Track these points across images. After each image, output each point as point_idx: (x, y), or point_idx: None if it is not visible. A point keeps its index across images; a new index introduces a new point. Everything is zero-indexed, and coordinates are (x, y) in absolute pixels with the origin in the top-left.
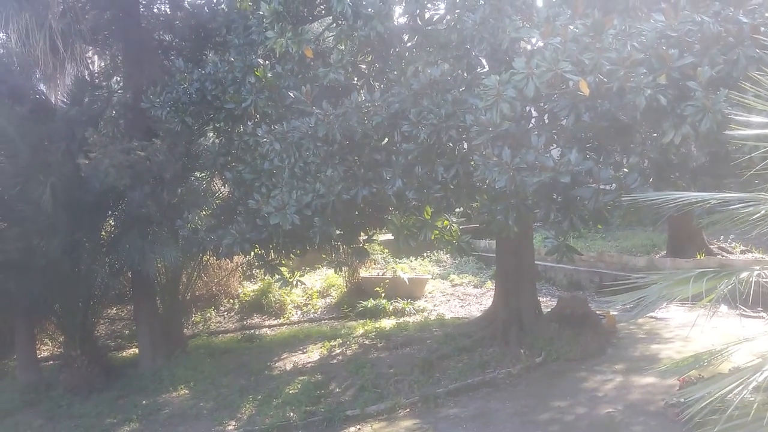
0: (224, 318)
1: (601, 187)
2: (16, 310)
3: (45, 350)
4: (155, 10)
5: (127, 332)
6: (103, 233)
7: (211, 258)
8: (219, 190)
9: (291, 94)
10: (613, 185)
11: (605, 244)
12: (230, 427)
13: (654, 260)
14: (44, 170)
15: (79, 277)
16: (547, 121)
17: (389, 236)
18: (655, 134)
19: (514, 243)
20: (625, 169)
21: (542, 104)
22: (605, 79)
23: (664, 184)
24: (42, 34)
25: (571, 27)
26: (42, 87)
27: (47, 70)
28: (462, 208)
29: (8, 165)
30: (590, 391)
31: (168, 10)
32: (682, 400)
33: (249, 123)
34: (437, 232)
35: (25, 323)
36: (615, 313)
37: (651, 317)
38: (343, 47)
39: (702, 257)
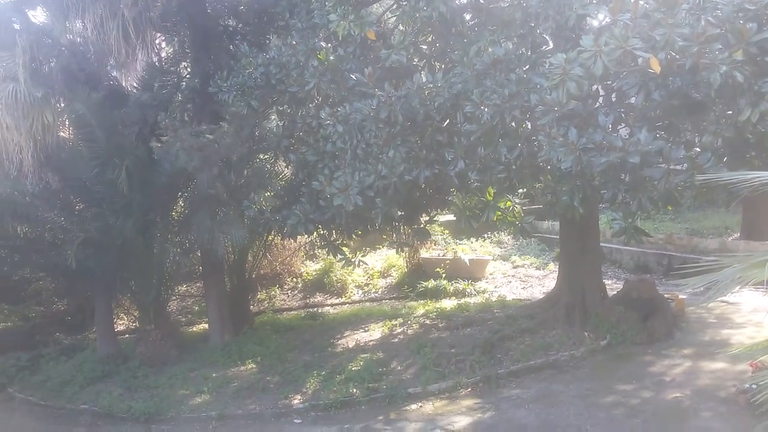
0: (288, 296)
1: (672, 167)
2: (95, 286)
3: (121, 324)
4: None
5: (196, 308)
6: (174, 213)
7: (276, 238)
8: (283, 171)
9: (353, 77)
10: (685, 165)
11: (675, 226)
12: (296, 401)
13: (726, 243)
14: (119, 153)
15: (153, 255)
16: (614, 99)
17: (450, 217)
18: (730, 112)
19: (578, 224)
20: (698, 149)
21: (610, 82)
22: (677, 56)
23: (738, 164)
24: (115, 22)
25: (642, 2)
26: (115, 73)
27: (120, 57)
28: (525, 189)
29: (86, 149)
30: (656, 376)
31: None
32: (754, 386)
33: (312, 106)
34: (500, 213)
35: (103, 299)
36: (684, 296)
37: (722, 301)
38: (404, 28)
39: None
